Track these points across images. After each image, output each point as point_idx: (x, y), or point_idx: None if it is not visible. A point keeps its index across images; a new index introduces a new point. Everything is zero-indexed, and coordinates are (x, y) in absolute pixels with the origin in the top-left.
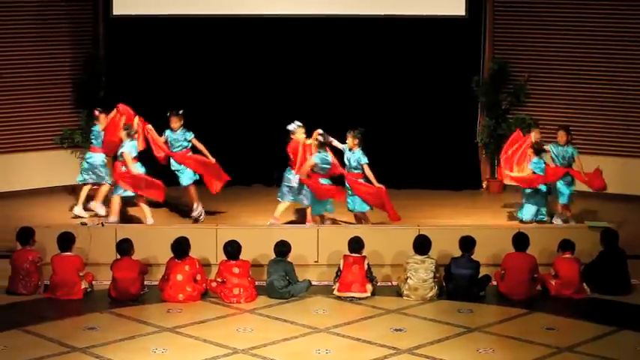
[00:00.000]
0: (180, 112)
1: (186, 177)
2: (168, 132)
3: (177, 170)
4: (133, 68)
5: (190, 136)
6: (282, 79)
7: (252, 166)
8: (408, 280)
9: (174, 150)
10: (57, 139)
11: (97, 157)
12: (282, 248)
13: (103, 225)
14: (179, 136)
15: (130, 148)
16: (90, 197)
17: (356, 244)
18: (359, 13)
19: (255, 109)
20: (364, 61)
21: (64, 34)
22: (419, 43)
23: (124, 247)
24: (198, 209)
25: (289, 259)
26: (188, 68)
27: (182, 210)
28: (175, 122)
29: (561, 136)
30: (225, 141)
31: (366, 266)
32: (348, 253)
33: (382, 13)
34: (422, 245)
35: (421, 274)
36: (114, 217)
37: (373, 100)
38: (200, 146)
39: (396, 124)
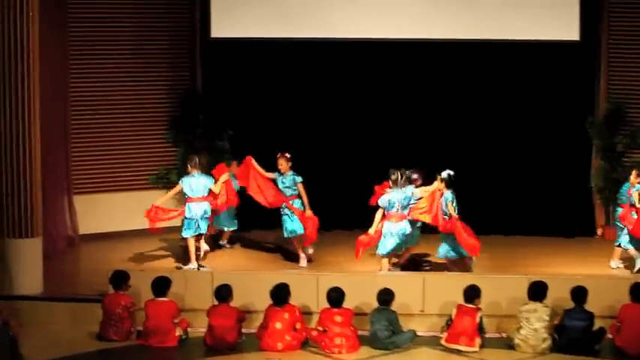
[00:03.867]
0: (288, 155)
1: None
2: (277, 175)
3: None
4: (232, 101)
5: (299, 180)
6: (385, 109)
7: (353, 208)
8: (520, 330)
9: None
10: (152, 178)
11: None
12: (386, 297)
13: (199, 269)
14: (289, 181)
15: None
16: (197, 247)
17: (471, 293)
18: (464, 38)
19: (360, 145)
20: (471, 92)
21: (161, 67)
22: (528, 74)
23: (223, 293)
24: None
25: (393, 308)
26: (290, 100)
27: (282, 255)
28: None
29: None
30: (326, 181)
31: (478, 319)
32: (462, 302)
33: (489, 38)
34: (535, 291)
35: (534, 322)
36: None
37: (479, 137)
38: (303, 193)
39: (503, 165)
